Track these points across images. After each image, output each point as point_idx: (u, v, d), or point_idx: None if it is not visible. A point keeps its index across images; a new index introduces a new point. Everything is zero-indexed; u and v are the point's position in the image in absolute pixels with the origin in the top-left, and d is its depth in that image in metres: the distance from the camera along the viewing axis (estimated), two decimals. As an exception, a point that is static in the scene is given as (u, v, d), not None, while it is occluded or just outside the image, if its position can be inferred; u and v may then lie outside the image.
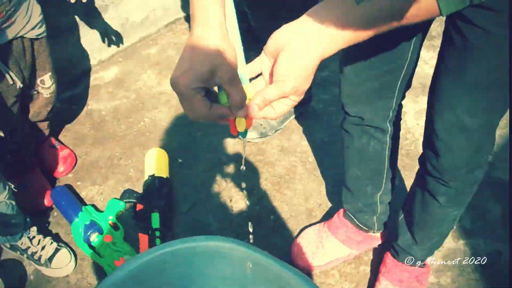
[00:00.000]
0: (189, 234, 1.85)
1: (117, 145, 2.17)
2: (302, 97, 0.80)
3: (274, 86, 0.77)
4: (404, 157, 2.12)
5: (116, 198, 1.90)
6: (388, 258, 1.69)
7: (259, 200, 1.97)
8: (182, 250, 1.20)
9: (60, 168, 2.05)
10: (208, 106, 0.77)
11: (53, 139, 2.09)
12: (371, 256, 1.82)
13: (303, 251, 1.73)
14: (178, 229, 1.88)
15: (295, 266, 1.64)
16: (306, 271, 1.73)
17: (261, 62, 0.82)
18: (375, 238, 1.76)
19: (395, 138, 1.47)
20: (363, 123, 1.40)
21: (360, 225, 1.69)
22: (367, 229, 1.70)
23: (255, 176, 2.04)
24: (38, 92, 1.86)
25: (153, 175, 1.94)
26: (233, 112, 0.79)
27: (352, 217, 1.69)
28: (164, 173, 1.97)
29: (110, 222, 1.84)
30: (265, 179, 2.04)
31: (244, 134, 0.83)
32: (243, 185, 2.01)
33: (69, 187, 2.01)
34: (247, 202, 1.96)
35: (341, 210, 1.74)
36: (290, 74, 0.75)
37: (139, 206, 1.89)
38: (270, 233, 1.87)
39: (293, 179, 2.04)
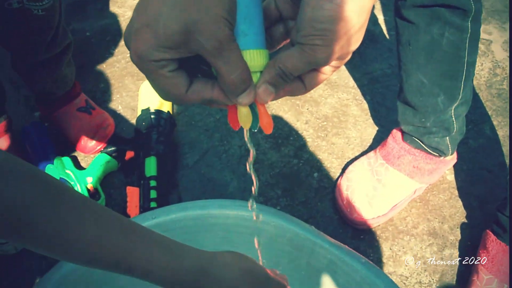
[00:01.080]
0: (196, 196, 1.35)
1: (104, 74, 1.65)
2: (349, 57, 0.51)
3: (299, 53, 0.48)
4: (494, 99, 1.60)
5: (105, 153, 1.38)
6: (491, 239, 1.19)
7: (297, 151, 1.44)
8: (182, 221, 0.93)
9: (90, 142, 1.41)
10: (184, 87, 0.50)
11: (83, 97, 1.46)
12: (459, 234, 1.28)
13: (356, 198, 1.29)
14: (180, 189, 1.34)
15: (348, 222, 1.29)
16: (365, 226, 1.30)
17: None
18: (449, 162, 1.34)
19: (478, 20, 1.11)
20: (436, 2, 1.05)
21: (429, 150, 1.28)
22: (438, 154, 1.28)
23: (291, 118, 1.52)
24: (23, 8, 1.16)
25: (148, 109, 1.41)
26: (229, 98, 0.51)
27: (418, 140, 1.28)
28: (164, 108, 1.42)
29: (89, 185, 1.32)
30: (306, 122, 1.50)
31: (254, 126, 0.54)
32: (275, 129, 1.46)
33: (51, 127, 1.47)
34: (280, 153, 1.44)
35: (397, 132, 1.32)
36: (325, 31, 0.46)
37: (129, 154, 1.40)
38: (313, 197, 1.36)
39: (345, 123, 1.51)
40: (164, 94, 0.51)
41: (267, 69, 0.51)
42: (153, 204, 1.25)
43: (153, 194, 1.27)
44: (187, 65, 0.50)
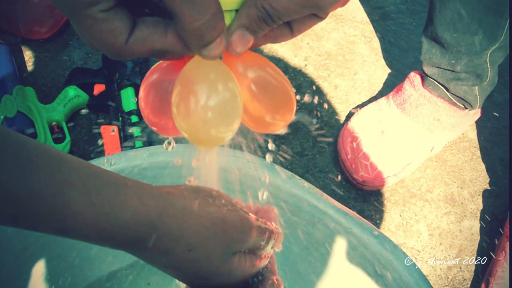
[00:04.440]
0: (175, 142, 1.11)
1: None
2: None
3: None
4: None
5: (75, 86, 1.16)
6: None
7: (295, 93, 1.18)
8: (148, 169, 0.76)
9: (46, 23, 1.25)
10: (123, 35, 0.36)
11: None
12: (480, 203, 1.08)
13: (363, 153, 1.08)
14: (150, 131, 1.11)
15: (352, 180, 1.09)
16: (372, 187, 1.09)
17: None
18: (473, 117, 1.14)
19: None
20: None
21: (454, 100, 1.08)
22: (464, 106, 1.09)
23: (288, 53, 1.29)
24: None
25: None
26: (189, 48, 0.38)
27: (442, 87, 1.07)
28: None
29: (53, 123, 1.12)
30: (305, 59, 1.29)
31: None
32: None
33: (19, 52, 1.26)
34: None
35: (416, 76, 1.11)
36: None
37: (99, 88, 1.18)
38: (310, 147, 1.15)
39: (351, 63, 1.29)
40: (95, 43, 0.37)
41: (246, 9, 0.39)
42: (138, 144, 1.06)
43: (136, 132, 1.07)
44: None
